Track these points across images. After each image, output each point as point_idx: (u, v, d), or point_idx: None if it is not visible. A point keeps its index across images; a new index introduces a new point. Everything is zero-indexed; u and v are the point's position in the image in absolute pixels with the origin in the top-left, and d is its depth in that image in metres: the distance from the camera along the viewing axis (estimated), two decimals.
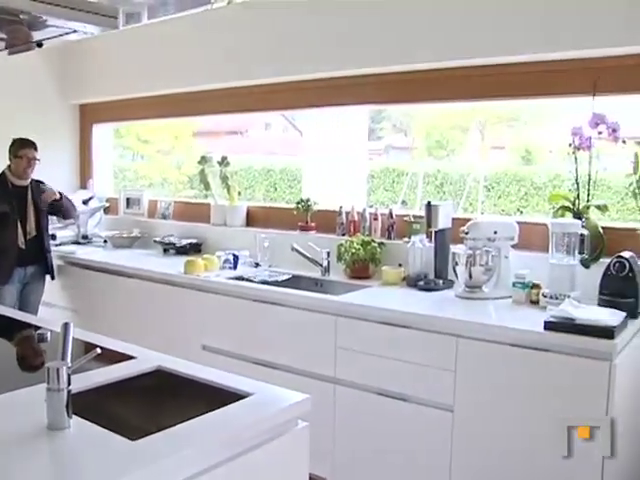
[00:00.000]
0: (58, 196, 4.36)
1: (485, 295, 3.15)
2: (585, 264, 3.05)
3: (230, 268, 3.97)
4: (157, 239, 4.79)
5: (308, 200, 4.15)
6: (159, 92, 4.98)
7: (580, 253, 2.99)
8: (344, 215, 4.01)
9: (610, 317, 2.55)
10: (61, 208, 4.47)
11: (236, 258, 4.00)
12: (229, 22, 4.38)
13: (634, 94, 3.21)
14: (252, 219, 4.65)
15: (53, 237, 5.01)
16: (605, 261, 2.96)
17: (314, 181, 4.85)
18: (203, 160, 4.70)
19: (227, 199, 4.68)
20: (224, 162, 4.65)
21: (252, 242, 4.20)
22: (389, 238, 3.82)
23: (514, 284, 3.07)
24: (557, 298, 2.90)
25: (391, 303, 3.08)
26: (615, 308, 2.70)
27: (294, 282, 3.79)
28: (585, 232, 2.96)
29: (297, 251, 3.81)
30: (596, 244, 3.07)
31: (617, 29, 2.97)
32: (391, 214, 3.82)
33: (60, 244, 5.04)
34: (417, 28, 3.56)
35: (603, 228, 3.12)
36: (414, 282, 3.40)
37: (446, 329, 2.78)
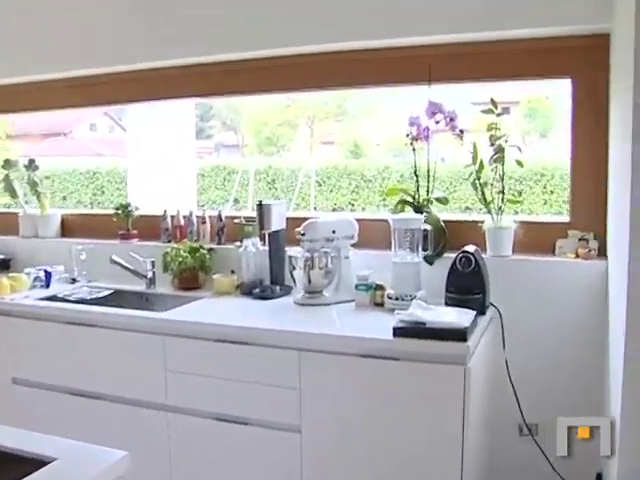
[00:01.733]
0: None
1: (327, 300, 2.90)
2: (429, 261, 2.89)
3: (42, 287, 3.46)
4: None
5: (128, 205, 3.73)
6: None
7: (424, 250, 2.81)
8: (169, 220, 3.63)
9: (461, 317, 2.37)
10: None
11: (48, 275, 3.50)
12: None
13: (467, 82, 3.09)
14: (68, 229, 4.13)
15: None
16: (449, 256, 2.81)
17: (140, 183, 4.41)
18: (7, 164, 4.13)
19: (38, 207, 4.14)
20: (32, 166, 4.11)
21: (67, 255, 3.71)
22: (219, 243, 3.49)
23: (357, 286, 2.85)
24: (403, 299, 2.71)
25: (225, 317, 2.75)
26: (464, 306, 2.54)
27: (117, 298, 3.36)
28: (428, 227, 2.79)
29: (117, 263, 3.39)
30: (439, 239, 2.91)
31: (452, 16, 2.83)
32: (220, 216, 3.49)
33: None
34: (231, 17, 3.26)
35: (445, 222, 2.98)
36: (249, 290, 3.09)
37: (286, 343, 2.49)
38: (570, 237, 2.94)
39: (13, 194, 4.14)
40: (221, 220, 3.49)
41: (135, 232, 3.74)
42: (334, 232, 2.92)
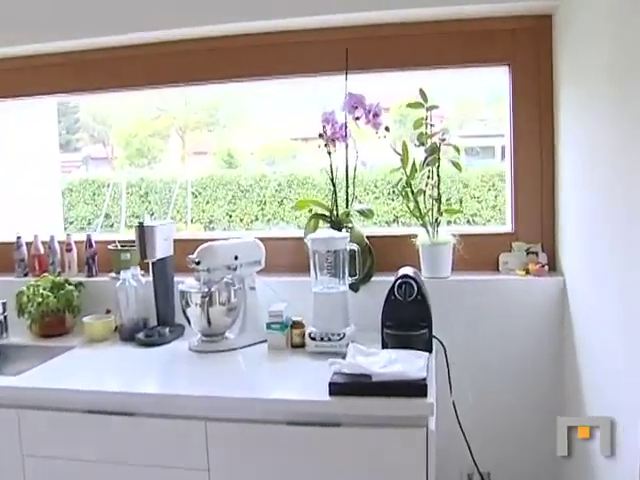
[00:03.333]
0: None
1: (231, 344, 2.31)
2: (354, 287, 2.36)
3: None
4: None
5: None
6: None
7: (351, 275, 2.27)
8: (24, 248, 2.92)
9: (413, 363, 1.84)
10: None
11: None
12: None
13: (388, 71, 2.59)
14: None
15: None
16: (378, 280, 2.31)
17: None
18: None
19: None
20: None
21: None
22: (90, 275, 2.81)
23: (268, 325, 2.27)
24: (329, 339, 2.16)
25: (100, 376, 2.11)
26: (408, 345, 2.02)
27: None
28: (355, 247, 2.25)
29: None
30: (364, 259, 2.39)
31: None
32: (90, 241, 2.81)
33: None
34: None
35: (369, 238, 2.46)
36: (130, 334, 2.45)
37: (186, 410, 1.87)
38: (515, 250, 2.50)
39: None
40: (91, 246, 2.82)
41: None
42: (236, 258, 2.33)
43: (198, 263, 2.26)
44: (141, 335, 2.42)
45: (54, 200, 3.59)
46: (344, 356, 1.95)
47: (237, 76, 2.68)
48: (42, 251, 2.89)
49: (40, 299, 2.56)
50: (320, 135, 2.45)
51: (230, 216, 16.77)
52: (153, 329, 2.46)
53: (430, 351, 2.10)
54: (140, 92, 2.90)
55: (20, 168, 3.46)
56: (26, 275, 2.91)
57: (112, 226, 14.07)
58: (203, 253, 2.28)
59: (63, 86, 2.89)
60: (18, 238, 2.92)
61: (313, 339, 2.18)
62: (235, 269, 2.31)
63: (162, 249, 2.44)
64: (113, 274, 2.64)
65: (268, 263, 2.47)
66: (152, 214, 16.04)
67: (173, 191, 13.47)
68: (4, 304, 2.65)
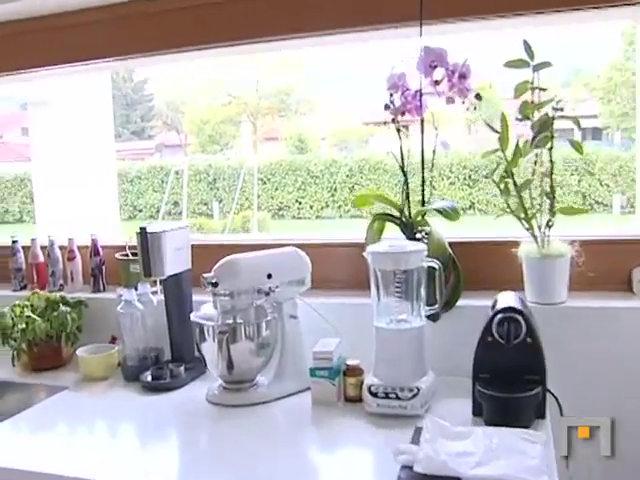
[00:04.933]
0: None
1: (263, 395, 1.68)
2: (434, 317, 1.70)
3: None
4: None
5: None
6: None
7: (429, 304, 1.61)
8: (21, 254, 2.37)
9: (524, 457, 1.18)
10: None
11: None
12: None
13: (472, 19, 1.89)
14: None
15: None
16: (465, 306, 1.65)
17: (48, 193, 3.41)
18: None
19: None
20: None
21: None
22: (97, 290, 2.24)
23: (313, 371, 1.63)
24: (397, 396, 1.51)
25: (71, 445, 1.51)
26: (514, 412, 1.36)
27: None
28: (436, 265, 1.58)
29: None
30: (446, 276, 1.72)
31: None
32: (96, 247, 2.24)
33: None
34: None
35: (452, 245, 1.79)
36: (135, 373, 1.86)
37: None
38: None
39: None
40: (97, 253, 2.24)
41: None
42: (270, 276, 1.69)
43: (215, 285, 1.64)
44: (147, 376, 1.83)
45: (110, 189, 3.26)
46: (417, 433, 1.30)
47: (298, 30, 2.02)
48: (42, 259, 2.34)
49: (26, 323, 1.99)
50: (386, 107, 1.79)
51: (300, 203, 16.14)
52: (163, 366, 1.85)
53: (543, 417, 1.44)
54: (190, 58, 2.29)
55: (74, 159, 3.14)
56: (24, 288, 2.37)
57: (181, 214, 13.70)
58: (222, 271, 1.66)
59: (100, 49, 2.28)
60: (14, 242, 2.37)
61: (374, 395, 1.53)
62: (268, 292, 1.68)
63: (174, 262, 1.83)
64: (120, 290, 2.05)
65: (317, 278, 1.83)
66: (220, 201, 15.58)
67: (240, 177, 12.95)
68: None
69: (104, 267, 2.24)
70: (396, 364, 1.55)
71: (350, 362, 1.64)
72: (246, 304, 1.67)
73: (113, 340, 2.02)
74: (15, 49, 2.36)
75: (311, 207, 14.79)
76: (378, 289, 1.61)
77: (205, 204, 15.25)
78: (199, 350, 1.71)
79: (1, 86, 2.82)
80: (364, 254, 1.60)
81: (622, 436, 1.70)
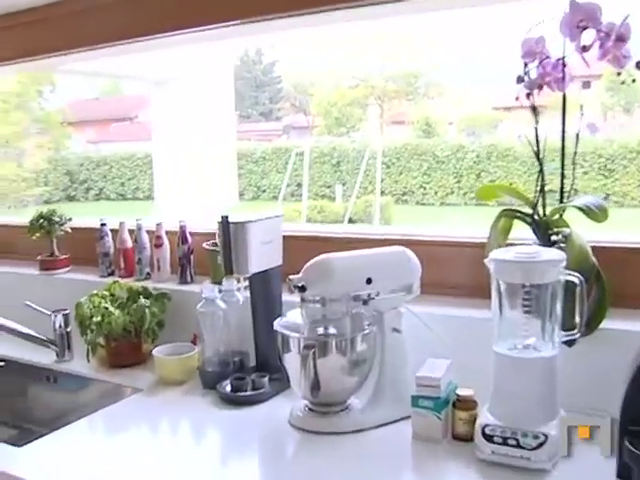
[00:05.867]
0: None
1: (355, 422, 1.40)
2: (570, 343, 1.36)
3: None
4: None
5: (52, 213, 2.31)
6: None
7: (567, 329, 1.28)
8: (109, 238, 2.21)
9: None
10: None
11: None
12: None
13: None
14: None
15: None
16: (610, 329, 1.32)
17: (168, 172, 3.65)
18: None
19: None
20: None
21: None
22: (184, 282, 2.04)
23: (415, 400, 1.34)
24: (518, 444, 1.20)
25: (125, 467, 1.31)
26: None
27: (9, 377, 1.98)
28: (576, 279, 1.25)
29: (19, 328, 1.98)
30: (588, 290, 1.38)
31: None
32: (184, 234, 2.03)
33: None
34: None
35: (595, 250, 1.43)
36: (214, 381, 1.63)
37: None
38: None
39: None
40: (185, 241, 2.04)
41: (64, 257, 2.33)
42: (370, 281, 1.41)
43: (303, 289, 1.37)
44: (226, 386, 1.59)
45: (229, 168, 3.19)
46: None
47: None
48: (129, 244, 2.16)
49: (100, 317, 1.81)
50: (519, 79, 1.45)
51: (424, 188, 15.72)
52: (245, 376, 1.61)
53: None
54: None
55: (195, 138, 3.10)
56: (111, 274, 2.20)
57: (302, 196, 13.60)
58: (312, 273, 1.39)
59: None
60: (102, 225, 2.21)
61: (489, 438, 1.22)
62: (367, 300, 1.40)
63: (261, 257, 1.58)
64: (207, 284, 1.82)
65: (428, 282, 1.53)
66: (344, 184, 15.37)
67: (364, 160, 12.67)
68: (66, 316, 1.94)
69: (192, 256, 2.03)
70: (519, 402, 1.23)
71: (462, 392, 1.33)
72: (339, 313, 1.39)
73: (195, 339, 1.81)
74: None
75: (436, 193, 14.38)
76: (501, 304, 1.29)
77: (328, 187, 15.17)
78: (281, 362, 1.46)
79: (131, 66, 2.77)
80: (485, 261, 1.29)
81: None
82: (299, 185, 14.03)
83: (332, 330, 1.40)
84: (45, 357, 1.95)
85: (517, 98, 1.45)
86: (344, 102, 19.10)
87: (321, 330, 1.40)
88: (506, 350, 1.26)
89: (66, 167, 16.65)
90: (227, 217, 1.52)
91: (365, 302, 1.39)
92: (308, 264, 1.40)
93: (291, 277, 1.39)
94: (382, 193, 13.39)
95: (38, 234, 2.30)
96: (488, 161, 13.52)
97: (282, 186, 13.30)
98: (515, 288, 1.26)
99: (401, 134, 16.92)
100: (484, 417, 1.25)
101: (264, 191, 16.05)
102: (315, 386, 1.36)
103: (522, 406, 1.23)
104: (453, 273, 1.71)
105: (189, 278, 2.03)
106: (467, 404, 1.32)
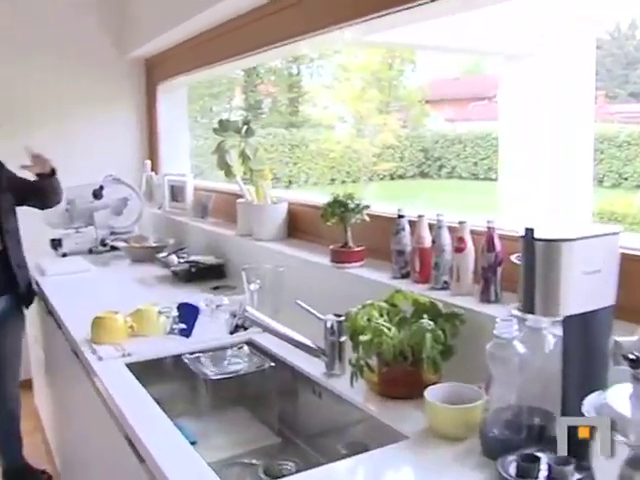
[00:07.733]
0: (49, 169, 2.73)
1: None
2: None
3: (179, 333, 1.99)
4: (163, 256, 2.99)
5: (349, 197, 2.02)
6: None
7: None
8: (406, 231, 1.85)
9: None
10: (45, 190, 2.81)
11: (192, 314, 2.00)
12: None
13: None
14: (294, 227, 2.63)
15: (58, 243, 3.44)
16: None
17: (514, 153, 3.45)
18: (221, 127, 2.72)
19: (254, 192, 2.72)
20: (246, 130, 2.67)
21: (272, 274, 2.19)
22: (486, 299, 1.59)
23: None
24: None
25: None
26: None
27: (280, 378, 1.76)
28: None
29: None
30: None
31: None
32: (491, 239, 1.58)
33: (65, 255, 3.40)
34: None
35: None
36: (498, 450, 1.17)
37: None
38: None
39: (228, 171, 2.72)
40: (493, 248, 1.59)
41: (358, 249, 2.04)
42: None
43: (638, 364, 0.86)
44: (509, 464, 1.13)
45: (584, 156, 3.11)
46: None
47: None
48: (428, 243, 1.78)
49: (370, 334, 1.45)
50: None
51: None
52: (539, 455, 1.13)
53: None
54: None
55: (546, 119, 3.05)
56: (406, 277, 1.85)
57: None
58: None
59: None
60: (399, 217, 1.86)
61: None
62: None
63: (582, 294, 1.08)
64: (506, 312, 1.36)
65: None
66: None
67: None
68: (340, 323, 1.63)
69: (500, 268, 1.57)
70: None
71: None
72: None
73: (488, 384, 1.36)
74: None
75: None
76: None
77: None
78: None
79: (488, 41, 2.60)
80: None
81: None
82: None
83: None
84: (315, 365, 1.67)
85: None
86: None
87: None
88: None
89: (422, 144, 16.89)
90: (532, 230, 1.05)
91: None
92: None
93: (619, 339, 0.88)
94: None
95: (333, 220, 2.03)
96: None
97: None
98: None
99: None
100: None
101: (626, 179, 14.54)
102: None
103: None
104: None
105: (493, 296, 1.58)
106: None
